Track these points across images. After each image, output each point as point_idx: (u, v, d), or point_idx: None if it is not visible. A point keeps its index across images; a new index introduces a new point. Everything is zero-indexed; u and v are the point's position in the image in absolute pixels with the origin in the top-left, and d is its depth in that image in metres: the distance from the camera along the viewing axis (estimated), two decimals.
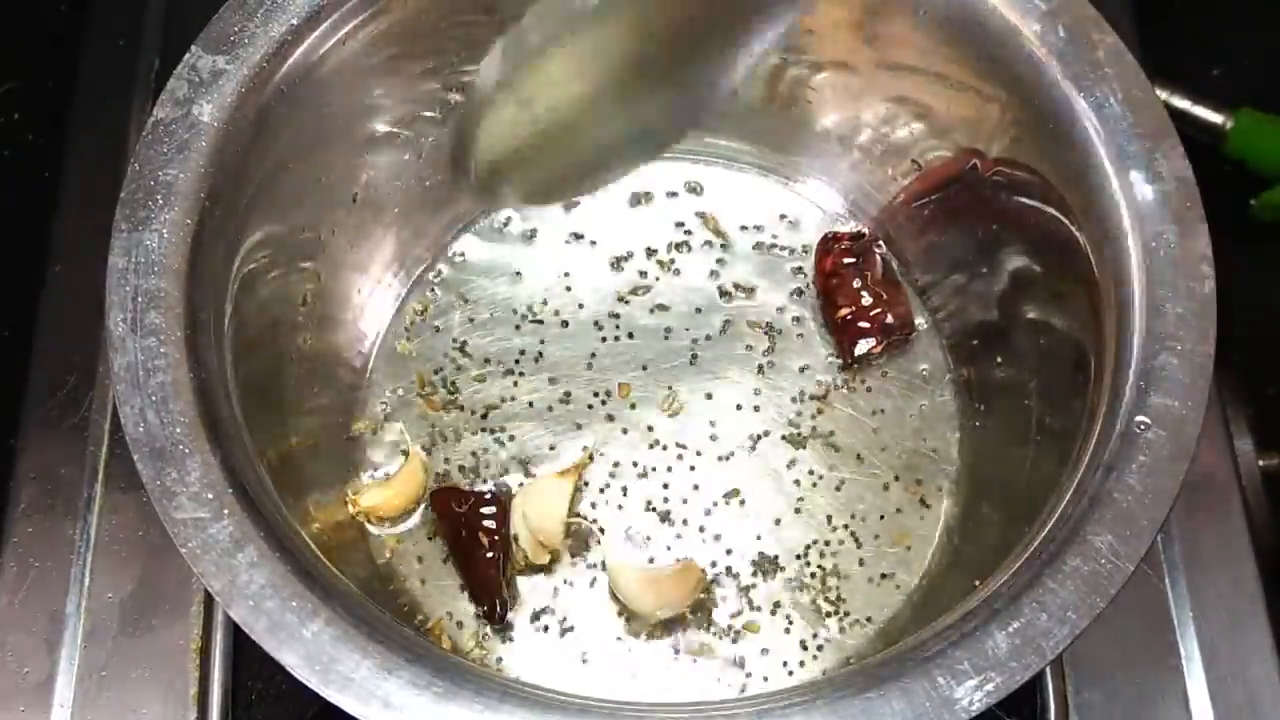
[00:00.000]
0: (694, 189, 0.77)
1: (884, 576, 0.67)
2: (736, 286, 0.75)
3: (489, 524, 0.65)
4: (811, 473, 0.70)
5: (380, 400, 0.71)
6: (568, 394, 0.71)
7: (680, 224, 0.76)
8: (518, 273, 0.75)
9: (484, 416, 0.71)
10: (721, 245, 0.76)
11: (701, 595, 0.66)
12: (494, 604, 0.65)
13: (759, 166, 0.78)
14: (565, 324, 0.74)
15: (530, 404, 0.71)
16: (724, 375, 0.72)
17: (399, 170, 0.71)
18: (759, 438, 0.71)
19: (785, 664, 0.65)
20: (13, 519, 0.67)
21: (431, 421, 0.71)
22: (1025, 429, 0.65)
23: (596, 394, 0.72)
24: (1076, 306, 0.61)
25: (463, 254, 0.75)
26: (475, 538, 0.65)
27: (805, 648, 0.65)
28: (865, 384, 0.72)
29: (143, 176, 0.55)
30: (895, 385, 0.72)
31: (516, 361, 0.72)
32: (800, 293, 0.75)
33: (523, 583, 0.67)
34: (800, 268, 0.75)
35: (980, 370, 0.71)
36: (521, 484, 0.69)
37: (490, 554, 0.65)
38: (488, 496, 0.66)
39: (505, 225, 0.76)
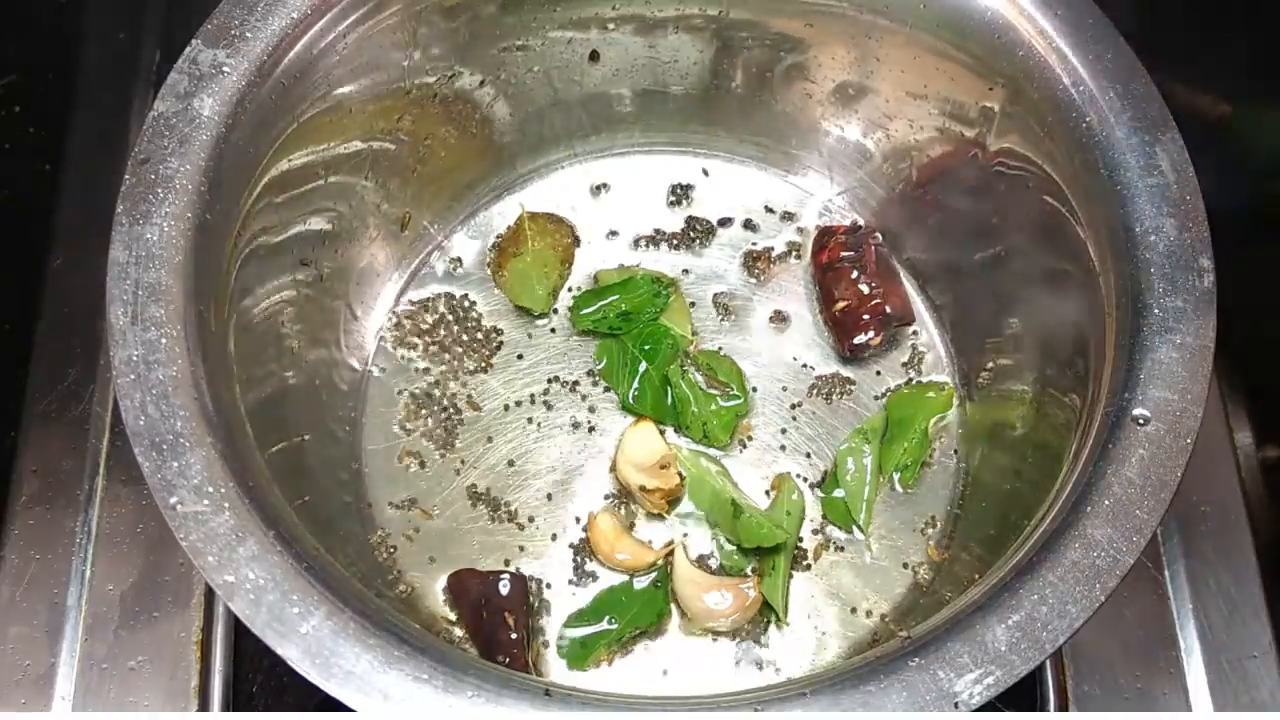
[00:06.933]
0: (694, 183, 0.77)
1: (884, 569, 0.67)
2: (735, 279, 0.75)
3: (511, 603, 0.63)
4: (811, 467, 0.70)
5: (381, 392, 0.71)
6: (565, 393, 0.72)
7: (678, 218, 0.77)
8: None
9: (477, 409, 0.71)
10: (720, 239, 0.76)
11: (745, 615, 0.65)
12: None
13: (759, 160, 0.78)
14: (566, 321, 0.74)
15: (525, 405, 0.71)
16: None
17: (400, 166, 0.70)
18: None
19: (778, 662, 0.65)
20: (14, 512, 0.68)
21: (432, 415, 0.71)
22: (1024, 420, 0.65)
23: (597, 399, 0.72)
24: (1075, 298, 0.61)
25: (462, 252, 0.75)
26: (499, 618, 0.63)
27: (809, 647, 0.66)
28: (864, 375, 0.72)
29: (143, 170, 0.55)
30: (894, 377, 0.72)
31: (519, 356, 0.73)
32: (798, 286, 0.75)
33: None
34: (799, 261, 0.75)
35: (979, 361, 0.71)
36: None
37: (515, 634, 0.63)
38: (505, 576, 0.64)
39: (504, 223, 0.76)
